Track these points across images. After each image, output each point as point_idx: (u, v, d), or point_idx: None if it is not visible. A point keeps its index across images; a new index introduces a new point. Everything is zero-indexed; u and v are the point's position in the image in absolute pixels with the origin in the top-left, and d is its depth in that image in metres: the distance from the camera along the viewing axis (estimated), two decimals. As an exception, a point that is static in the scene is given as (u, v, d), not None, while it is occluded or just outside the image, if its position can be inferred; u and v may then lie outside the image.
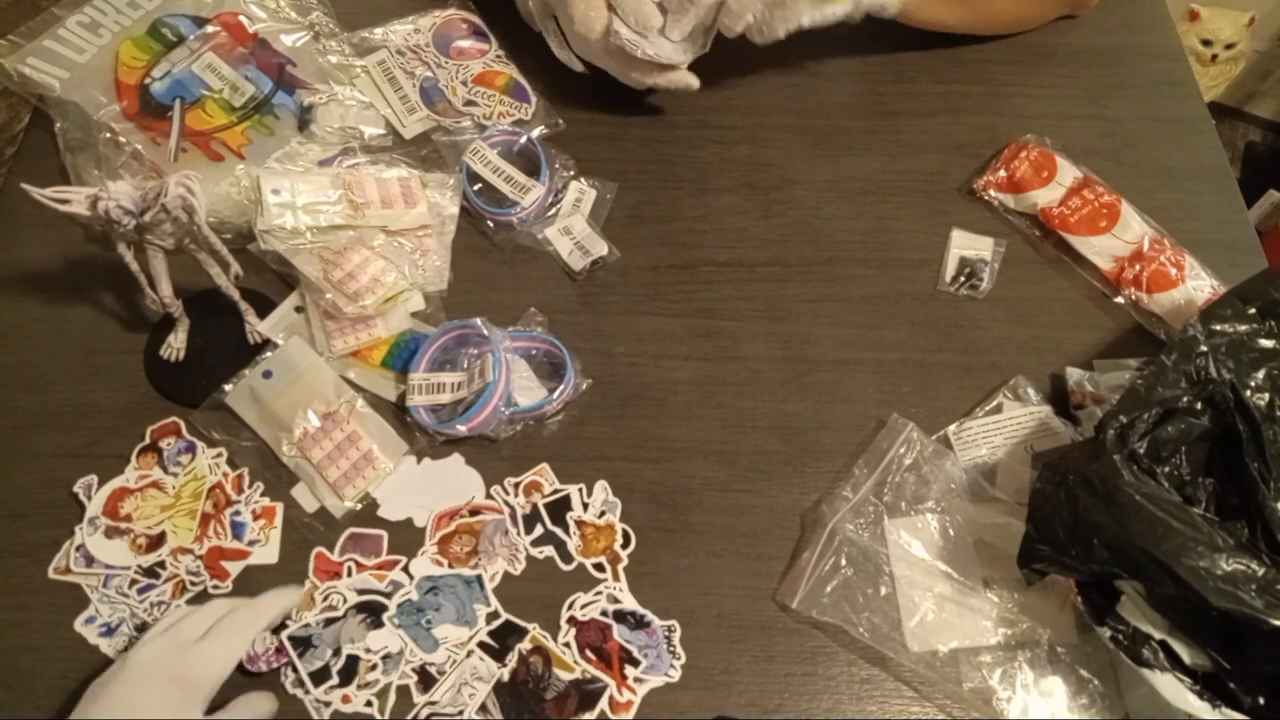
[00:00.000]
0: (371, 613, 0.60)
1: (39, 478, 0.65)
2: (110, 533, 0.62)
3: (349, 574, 0.62)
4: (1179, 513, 0.52)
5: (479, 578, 0.62)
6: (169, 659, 0.52)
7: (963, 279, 0.73)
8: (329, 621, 0.60)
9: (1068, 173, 0.76)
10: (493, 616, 0.61)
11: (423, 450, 0.66)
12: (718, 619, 0.61)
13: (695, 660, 0.60)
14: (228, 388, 0.66)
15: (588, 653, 0.60)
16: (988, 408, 0.68)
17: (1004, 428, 0.66)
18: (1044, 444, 0.65)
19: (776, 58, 0.83)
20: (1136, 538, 0.51)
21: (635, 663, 0.59)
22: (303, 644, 0.59)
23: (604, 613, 0.61)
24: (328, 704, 0.58)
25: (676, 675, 0.59)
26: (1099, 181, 0.76)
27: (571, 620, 0.60)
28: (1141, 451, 0.55)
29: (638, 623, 0.61)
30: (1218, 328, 0.59)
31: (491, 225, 0.74)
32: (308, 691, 0.58)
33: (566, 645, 0.60)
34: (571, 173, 0.77)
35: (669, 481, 0.66)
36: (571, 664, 0.59)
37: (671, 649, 0.60)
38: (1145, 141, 0.81)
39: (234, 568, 0.62)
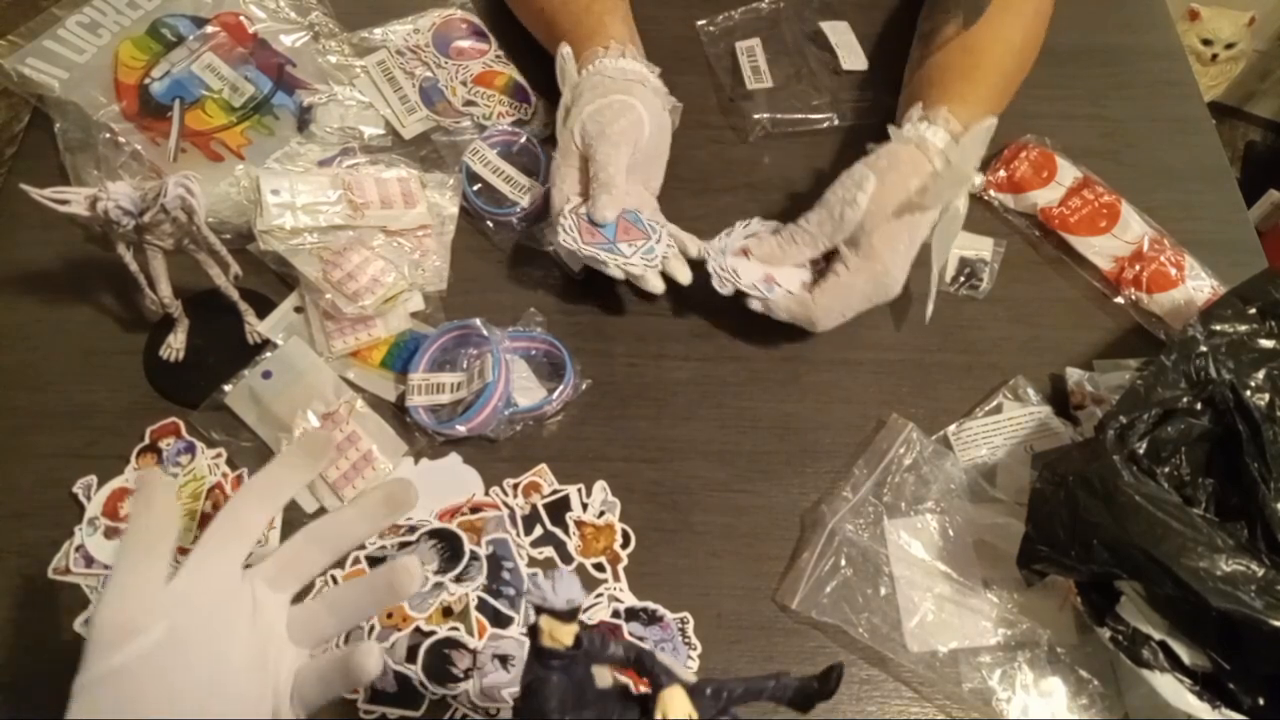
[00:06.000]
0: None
1: (39, 478, 0.65)
2: (110, 533, 0.62)
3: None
4: (1179, 513, 0.52)
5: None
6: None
7: (963, 279, 0.73)
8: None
9: (1068, 173, 0.76)
10: None
11: (422, 451, 0.66)
12: (718, 619, 0.61)
13: (695, 660, 0.60)
14: (227, 388, 0.66)
15: None
16: (988, 408, 0.68)
17: (1004, 428, 0.66)
18: (1044, 444, 0.65)
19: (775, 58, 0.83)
20: (1136, 538, 0.51)
21: None
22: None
23: (616, 614, 0.61)
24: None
25: (695, 666, 0.59)
26: (1099, 181, 0.76)
27: (581, 625, 0.60)
28: (1141, 452, 0.55)
29: (650, 618, 0.61)
30: (1218, 328, 0.59)
31: (491, 225, 0.74)
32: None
33: None
34: (571, 173, 0.77)
35: (669, 481, 0.65)
36: None
37: (687, 640, 0.60)
38: (1145, 141, 0.81)
39: (234, 568, 0.62)
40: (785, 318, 0.65)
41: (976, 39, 0.72)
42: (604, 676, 0.43)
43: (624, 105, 0.67)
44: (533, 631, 0.40)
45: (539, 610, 0.40)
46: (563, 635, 0.40)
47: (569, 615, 0.40)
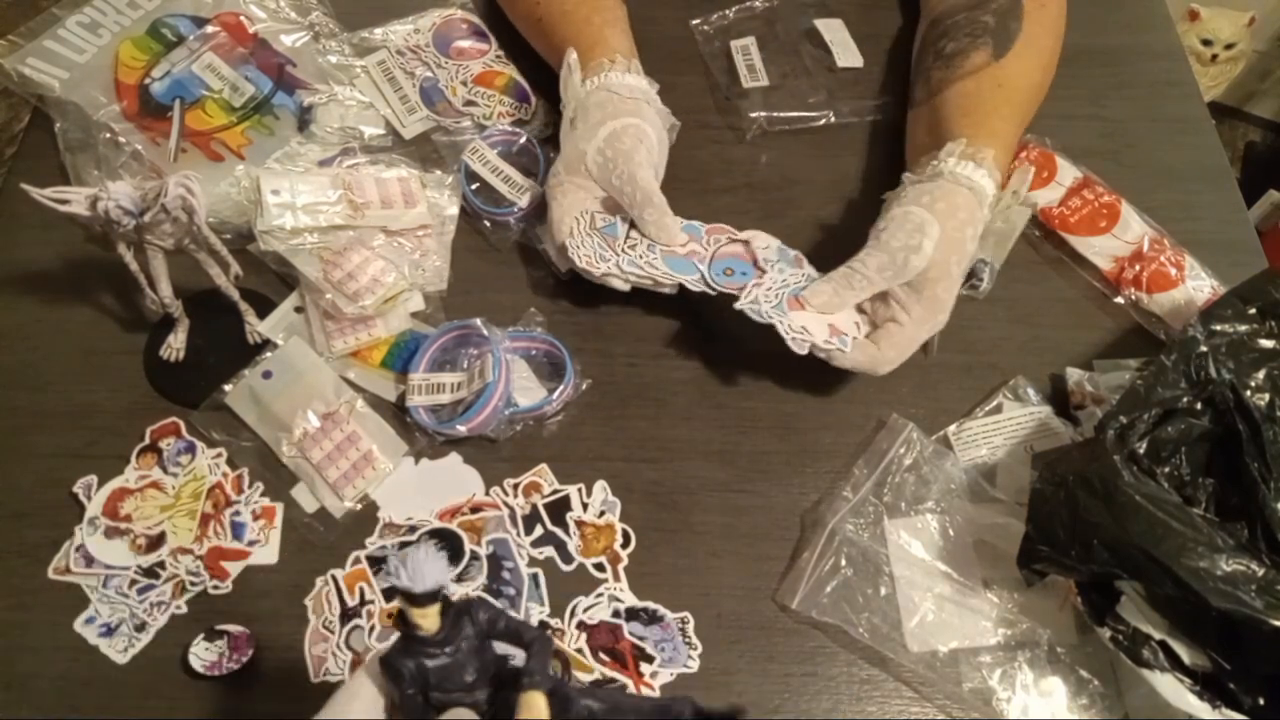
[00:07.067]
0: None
1: (39, 478, 0.65)
2: (110, 533, 0.62)
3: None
4: (1179, 513, 0.52)
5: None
6: None
7: (963, 279, 0.73)
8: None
9: (1068, 173, 0.76)
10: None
11: (422, 451, 0.66)
12: (718, 619, 0.61)
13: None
14: (227, 388, 0.66)
15: (601, 655, 0.60)
16: (988, 408, 0.68)
17: (1004, 428, 0.66)
18: (1044, 444, 0.65)
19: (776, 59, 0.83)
20: (1136, 538, 0.51)
21: (650, 659, 0.59)
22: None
23: (616, 614, 0.61)
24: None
25: (695, 665, 0.59)
26: (1099, 181, 0.76)
27: (581, 625, 0.60)
28: (1141, 452, 0.55)
29: (650, 618, 0.61)
30: (1218, 328, 0.58)
31: (489, 225, 0.74)
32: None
33: (579, 651, 0.60)
34: (571, 173, 0.77)
35: (669, 481, 0.65)
36: (590, 665, 0.59)
37: (687, 639, 0.60)
38: (1145, 141, 0.81)
39: (234, 568, 0.62)
40: (849, 366, 0.63)
41: (1007, 73, 0.71)
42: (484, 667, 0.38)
43: (638, 131, 0.67)
44: (390, 615, 0.37)
45: (399, 593, 0.36)
46: (420, 621, 0.36)
47: (427, 599, 0.36)
